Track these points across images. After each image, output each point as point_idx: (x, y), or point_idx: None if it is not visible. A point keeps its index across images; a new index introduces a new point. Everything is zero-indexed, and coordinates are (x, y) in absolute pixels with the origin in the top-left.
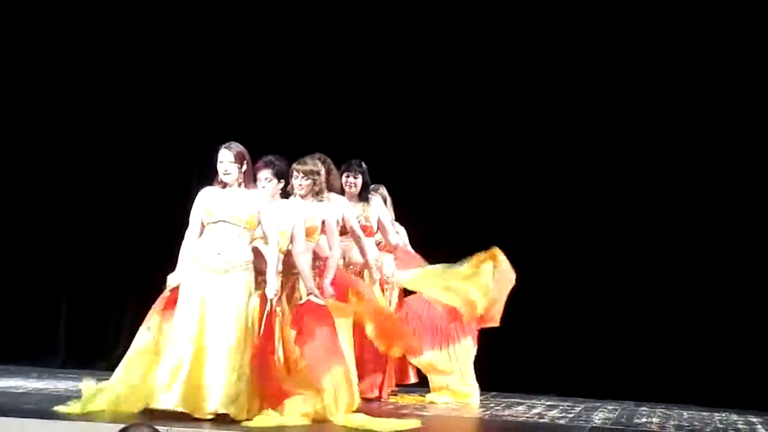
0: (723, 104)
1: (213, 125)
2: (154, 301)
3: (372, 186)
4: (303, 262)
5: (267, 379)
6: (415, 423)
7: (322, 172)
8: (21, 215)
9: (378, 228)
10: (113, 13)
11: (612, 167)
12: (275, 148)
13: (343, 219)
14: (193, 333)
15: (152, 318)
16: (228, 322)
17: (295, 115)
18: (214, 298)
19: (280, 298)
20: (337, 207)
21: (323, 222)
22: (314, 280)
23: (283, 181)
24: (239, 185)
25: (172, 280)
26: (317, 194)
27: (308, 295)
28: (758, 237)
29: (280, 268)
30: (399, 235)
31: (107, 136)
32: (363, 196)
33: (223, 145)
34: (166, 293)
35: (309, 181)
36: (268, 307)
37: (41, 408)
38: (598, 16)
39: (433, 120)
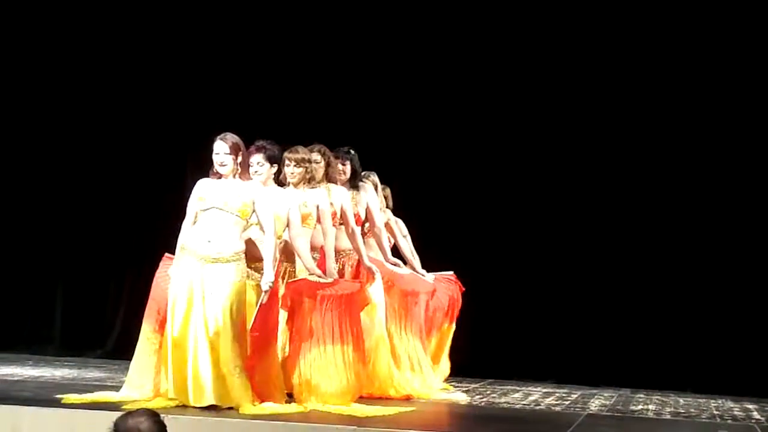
0: (723, 102)
1: (207, 114)
2: (148, 288)
3: (363, 173)
4: (300, 244)
5: (265, 379)
6: (408, 409)
7: (321, 161)
8: (16, 204)
9: (366, 215)
10: (108, 4)
11: (609, 156)
12: (269, 138)
13: (341, 209)
14: (179, 325)
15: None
16: (215, 313)
17: (289, 107)
18: (201, 288)
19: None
20: (336, 197)
21: (317, 207)
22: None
23: (275, 166)
24: (234, 176)
25: (172, 273)
26: (309, 182)
27: (310, 275)
28: (753, 225)
29: (278, 255)
30: (397, 224)
31: (102, 124)
32: (353, 183)
33: (219, 137)
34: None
35: (301, 169)
36: (263, 298)
37: (37, 396)
38: (598, 17)
39: (430, 112)
